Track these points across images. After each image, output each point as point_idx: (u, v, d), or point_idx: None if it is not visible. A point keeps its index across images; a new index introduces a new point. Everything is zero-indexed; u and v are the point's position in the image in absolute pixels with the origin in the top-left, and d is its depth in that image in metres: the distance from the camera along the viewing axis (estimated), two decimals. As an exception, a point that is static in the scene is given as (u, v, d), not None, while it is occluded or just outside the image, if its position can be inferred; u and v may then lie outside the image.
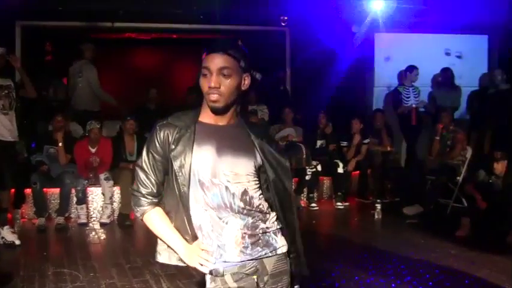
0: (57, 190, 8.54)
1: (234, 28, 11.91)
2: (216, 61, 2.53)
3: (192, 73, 13.81)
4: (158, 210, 2.66)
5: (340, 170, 9.81)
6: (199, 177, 2.56)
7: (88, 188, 8.71)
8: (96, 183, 8.76)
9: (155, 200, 2.65)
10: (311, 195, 9.73)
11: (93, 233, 8.22)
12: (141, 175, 2.64)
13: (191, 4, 10.56)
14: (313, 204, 9.61)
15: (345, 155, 10.12)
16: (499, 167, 7.80)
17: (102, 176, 8.64)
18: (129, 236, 8.15)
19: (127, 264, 6.47)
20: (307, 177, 9.58)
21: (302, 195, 9.72)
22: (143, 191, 2.64)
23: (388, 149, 10.25)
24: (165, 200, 2.66)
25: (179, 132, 2.59)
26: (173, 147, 2.57)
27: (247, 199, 2.62)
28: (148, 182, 2.63)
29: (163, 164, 2.62)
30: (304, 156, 9.54)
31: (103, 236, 8.12)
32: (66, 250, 7.21)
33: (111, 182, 8.65)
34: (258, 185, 2.67)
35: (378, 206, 8.90)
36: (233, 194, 2.58)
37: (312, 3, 10.37)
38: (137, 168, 2.67)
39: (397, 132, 10.75)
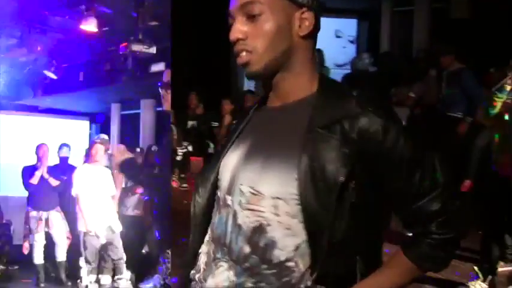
0: None
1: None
2: None
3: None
4: None
5: (211, 150, 9.88)
6: (219, 192, 1.60)
7: None
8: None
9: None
10: (182, 175, 9.77)
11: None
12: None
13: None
14: (185, 185, 9.63)
15: (215, 136, 10.20)
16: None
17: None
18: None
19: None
20: (178, 158, 9.62)
21: (173, 175, 9.75)
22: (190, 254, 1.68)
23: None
24: None
25: (235, 126, 1.67)
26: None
27: (260, 244, 1.46)
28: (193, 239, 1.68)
29: None
30: (175, 137, 9.56)
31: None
32: None
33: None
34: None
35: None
36: (239, 227, 1.49)
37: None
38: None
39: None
